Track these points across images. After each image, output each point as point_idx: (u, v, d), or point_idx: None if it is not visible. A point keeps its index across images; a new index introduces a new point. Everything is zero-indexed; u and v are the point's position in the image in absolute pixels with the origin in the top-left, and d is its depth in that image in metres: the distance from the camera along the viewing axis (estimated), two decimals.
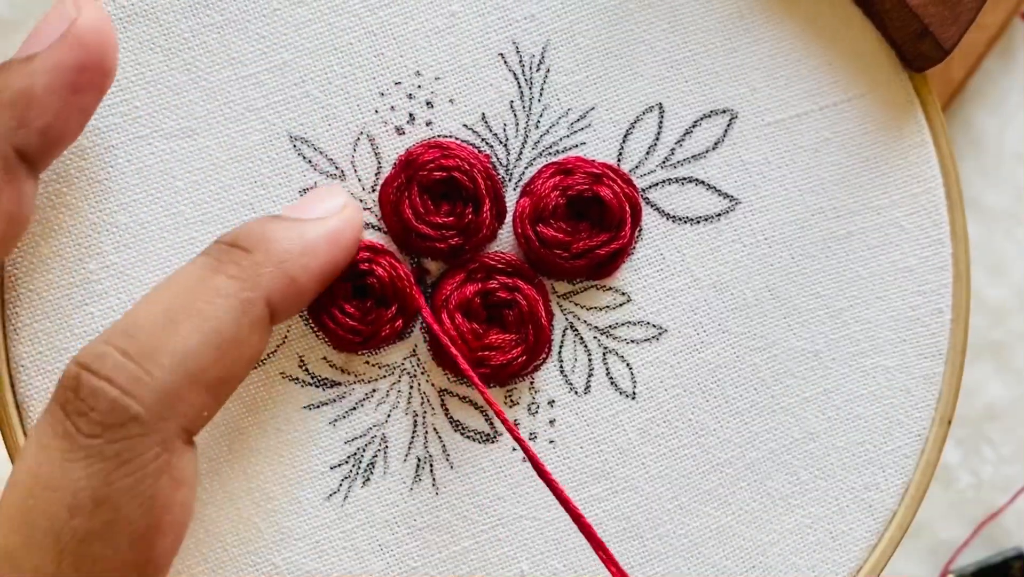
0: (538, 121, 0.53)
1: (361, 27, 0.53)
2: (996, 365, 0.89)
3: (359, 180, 0.53)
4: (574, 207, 0.53)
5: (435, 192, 0.52)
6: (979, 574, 0.88)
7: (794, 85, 0.55)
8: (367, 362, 0.53)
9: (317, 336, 0.52)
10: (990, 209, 0.89)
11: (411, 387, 0.53)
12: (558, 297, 0.54)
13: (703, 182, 0.54)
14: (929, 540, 0.89)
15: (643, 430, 0.54)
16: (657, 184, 0.54)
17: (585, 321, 0.54)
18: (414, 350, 0.53)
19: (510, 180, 0.53)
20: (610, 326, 0.54)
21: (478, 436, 0.53)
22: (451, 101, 0.53)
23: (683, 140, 0.54)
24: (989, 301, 0.88)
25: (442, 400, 0.53)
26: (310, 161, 0.52)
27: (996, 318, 0.88)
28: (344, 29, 0.53)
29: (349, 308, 0.52)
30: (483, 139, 0.53)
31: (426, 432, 0.53)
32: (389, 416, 0.53)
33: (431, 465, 0.53)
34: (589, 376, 0.54)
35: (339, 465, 0.53)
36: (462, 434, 0.53)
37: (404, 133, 0.53)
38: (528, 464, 0.53)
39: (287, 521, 0.52)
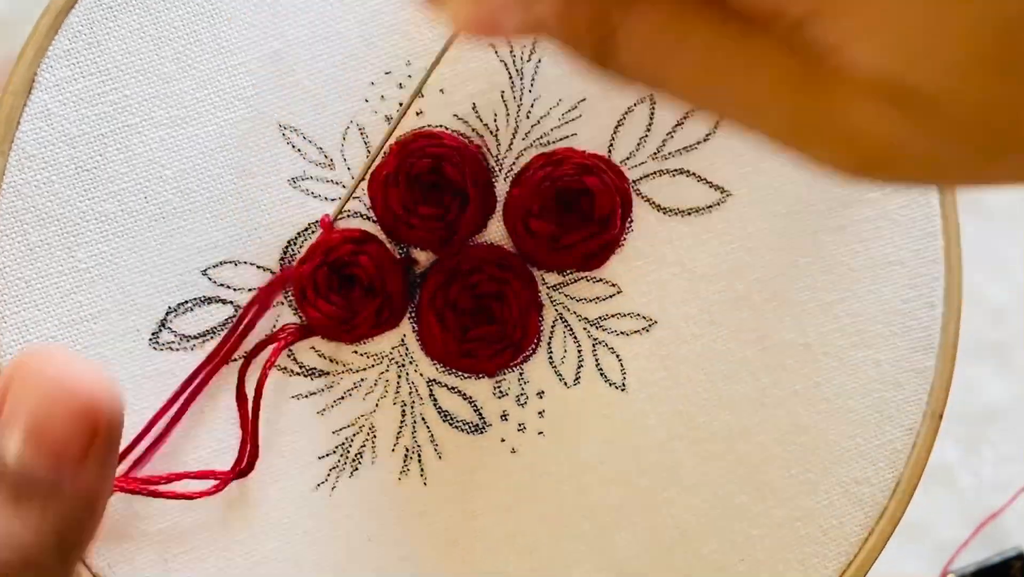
0: (529, 111, 0.53)
1: (351, 16, 0.53)
2: (996, 365, 0.88)
3: (348, 169, 0.53)
4: (564, 198, 0.53)
5: (425, 182, 0.52)
6: (979, 574, 0.87)
7: None
8: (355, 352, 0.53)
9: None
10: (990, 209, 0.88)
11: (399, 377, 0.53)
12: (548, 288, 0.53)
13: (694, 174, 0.54)
14: (929, 540, 0.88)
15: (632, 422, 0.54)
16: (648, 176, 0.54)
17: (575, 313, 0.54)
18: (403, 340, 0.53)
19: (500, 170, 0.53)
20: (600, 318, 0.54)
21: (466, 426, 0.53)
22: (441, 91, 0.53)
23: (674, 131, 0.54)
24: (990, 301, 0.88)
25: (430, 390, 0.53)
26: (299, 150, 0.52)
27: (996, 318, 0.88)
28: (334, 18, 0.53)
29: (335, 297, 0.51)
30: (473, 129, 0.53)
31: (414, 422, 0.53)
32: (377, 406, 0.53)
33: (419, 455, 0.53)
34: (579, 368, 0.53)
35: (327, 455, 0.53)
36: (450, 424, 0.53)
37: None
38: (517, 455, 0.53)
39: (275, 511, 0.52)
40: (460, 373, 0.53)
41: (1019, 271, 0.89)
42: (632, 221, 0.54)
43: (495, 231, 0.53)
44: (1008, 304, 0.89)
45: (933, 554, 0.89)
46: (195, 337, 0.52)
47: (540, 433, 0.53)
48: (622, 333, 0.54)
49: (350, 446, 0.53)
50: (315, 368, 0.52)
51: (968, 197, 0.88)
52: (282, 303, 0.52)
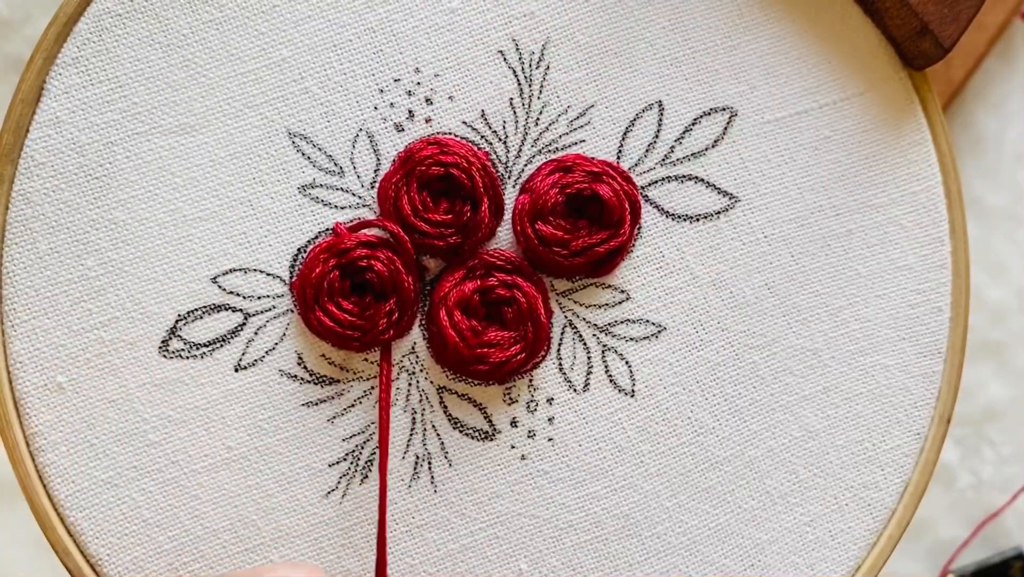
0: (537, 118, 0.53)
1: (361, 24, 0.53)
2: (996, 365, 0.88)
3: (358, 177, 0.53)
4: (573, 205, 0.53)
5: (434, 189, 0.52)
6: (979, 574, 0.87)
7: (794, 83, 0.54)
8: (366, 359, 0.53)
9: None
10: (990, 210, 0.89)
11: (410, 384, 0.53)
12: (557, 295, 0.54)
13: (703, 180, 0.54)
14: (929, 540, 0.88)
15: (642, 428, 0.54)
16: (657, 182, 0.54)
17: (584, 319, 0.54)
18: (413, 347, 0.53)
19: (509, 177, 0.53)
20: (609, 324, 0.54)
21: (477, 433, 0.53)
22: (450, 98, 0.53)
23: (683, 138, 0.54)
24: (989, 301, 0.88)
25: (441, 397, 0.53)
26: (309, 158, 0.52)
27: (996, 318, 0.88)
28: (344, 26, 0.53)
29: (347, 304, 0.52)
30: (482, 136, 0.53)
31: (424, 429, 0.53)
32: None
33: (429, 462, 0.53)
34: (588, 374, 0.54)
35: (337, 462, 0.53)
36: (461, 431, 0.53)
37: (403, 130, 0.53)
38: (527, 462, 0.53)
39: (285, 519, 0.52)
40: (470, 380, 0.53)
41: (1018, 272, 0.90)
42: (641, 227, 0.54)
43: (504, 237, 0.53)
44: (1007, 304, 0.89)
45: (933, 554, 0.90)
46: (205, 345, 0.52)
47: (549, 439, 0.53)
48: (631, 339, 0.54)
49: (360, 453, 0.53)
50: (325, 376, 0.52)
51: (968, 199, 0.88)
52: (291, 310, 0.52)
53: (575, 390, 0.54)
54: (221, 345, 0.52)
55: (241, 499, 0.52)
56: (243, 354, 0.52)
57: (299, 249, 0.52)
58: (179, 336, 0.52)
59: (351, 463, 0.52)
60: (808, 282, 0.54)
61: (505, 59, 0.53)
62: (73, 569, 0.52)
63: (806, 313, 0.54)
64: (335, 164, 0.53)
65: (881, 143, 0.55)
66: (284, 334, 0.52)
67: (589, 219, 0.53)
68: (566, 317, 0.54)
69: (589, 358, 0.54)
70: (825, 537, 0.54)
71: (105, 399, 0.52)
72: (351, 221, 0.52)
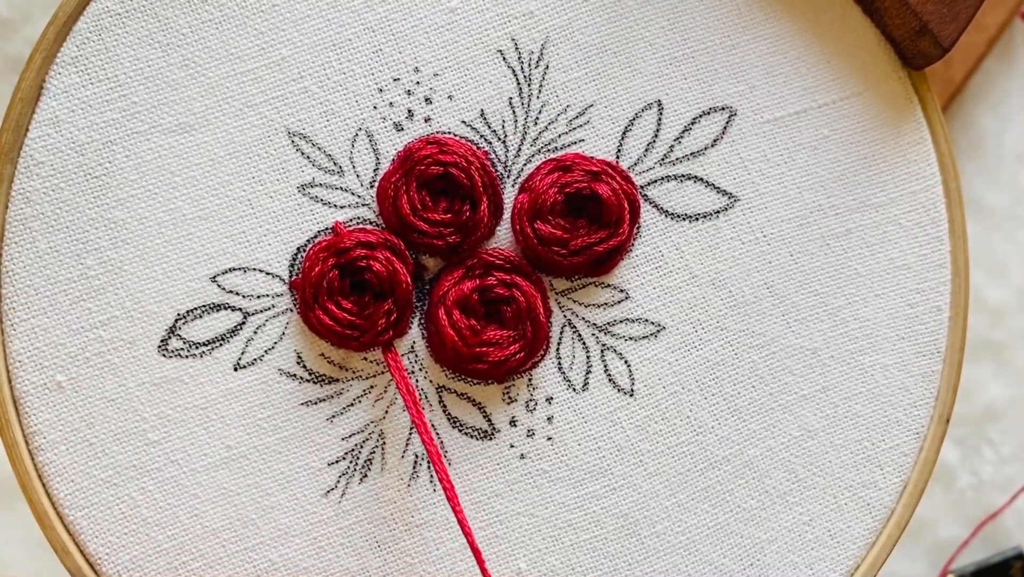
0: (537, 118, 0.53)
1: (360, 23, 0.53)
2: (996, 365, 0.88)
3: (357, 176, 0.53)
4: (572, 204, 0.53)
5: (434, 188, 0.52)
6: (979, 574, 0.87)
7: (793, 82, 0.55)
8: (365, 358, 0.53)
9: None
10: (990, 210, 0.89)
11: None
12: (556, 294, 0.54)
13: (702, 179, 0.54)
14: (929, 540, 0.88)
15: (641, 427, 0.54)
16: (656, 181, 0.54)
17: (583, 318, 0.54)
18: (412, 347, 0.53)
19: (508, 176, 0.53)
20: (608, 323, 0.54)
21: (475, 432, 0.53)
22: (450, 97, 0.53)
23: (682, 137, 0.54)
24: (989, 301, 0.88)
25: (440, 396, 0.53)
26: (308, 157, 0.52)
27: (996, 318, 0.88)
28: (343, 25, 0.53)
29: (346, 303, 0.52)
30: (482, 135, 0.53)
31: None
32: (387, 412, 0.53)
33: (428, 461, 0.53)
34: (587, 373, 0.54)
35: (337, 461, 0.53)
36: (460, 431, 0.53)
37: (403, 129, 0.53)
38: (526, 461, 0.53)
39: (284, 518, 0.52)
40: (469, 379, 0.53)
41: (1018, 272, 0.90)
42: (640, 227, 0.54)
43: (504, 237, 0.53)
44: (1007, 305, 0.89)
45: (933, 554, 0.90)
46: (204, 344, 0.52)
47: (549, 439, 0.53)
48: (630, 338, 0.54)
49: (360, 452, 0.53)
50: (325, 375, 0.52)
51: (968, 199, 0.88)
52: (290, 309, 0.52)
53: (574, 389, 0.54)
54: (220, 344, 0.52)
55: (240, 498, 0.52)
56: (242, 353, 0.52)
57: (298, 248, 0.52)
58: (178, 335, 0.52)
59: (350, 462, 0.53)
60: (807, 281, 0.55)
61: (504, 58, 0.53)
62: (72, 568, 0.52)
63: (805, 312, 0.54)
64: (334, 163, 0.53)
65: (880, 142, 0.55)
66: (283, 333, 0.52)
67: (588, 218, 0.53)
68: (565, 316, 0.54)
69: (588, 357, 0.54)
70: (824, 536, 0.54)
71: (104, 398, 0.52)
72: (350, 220, 0.53)
